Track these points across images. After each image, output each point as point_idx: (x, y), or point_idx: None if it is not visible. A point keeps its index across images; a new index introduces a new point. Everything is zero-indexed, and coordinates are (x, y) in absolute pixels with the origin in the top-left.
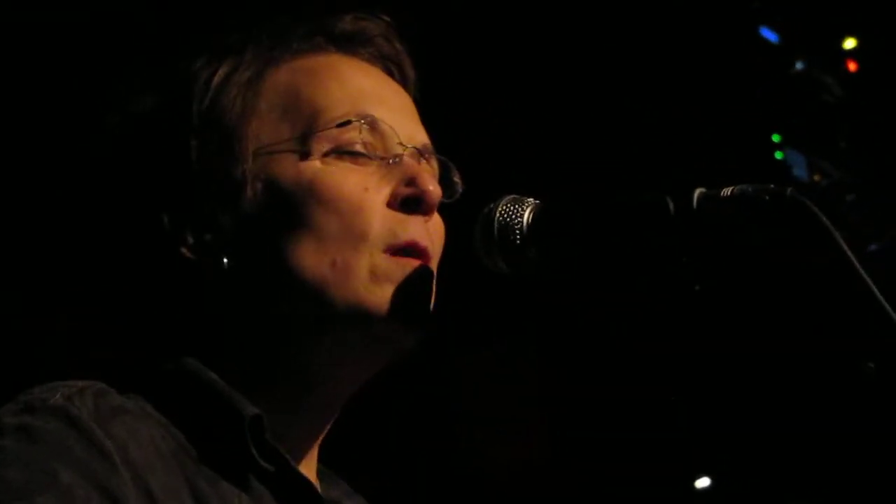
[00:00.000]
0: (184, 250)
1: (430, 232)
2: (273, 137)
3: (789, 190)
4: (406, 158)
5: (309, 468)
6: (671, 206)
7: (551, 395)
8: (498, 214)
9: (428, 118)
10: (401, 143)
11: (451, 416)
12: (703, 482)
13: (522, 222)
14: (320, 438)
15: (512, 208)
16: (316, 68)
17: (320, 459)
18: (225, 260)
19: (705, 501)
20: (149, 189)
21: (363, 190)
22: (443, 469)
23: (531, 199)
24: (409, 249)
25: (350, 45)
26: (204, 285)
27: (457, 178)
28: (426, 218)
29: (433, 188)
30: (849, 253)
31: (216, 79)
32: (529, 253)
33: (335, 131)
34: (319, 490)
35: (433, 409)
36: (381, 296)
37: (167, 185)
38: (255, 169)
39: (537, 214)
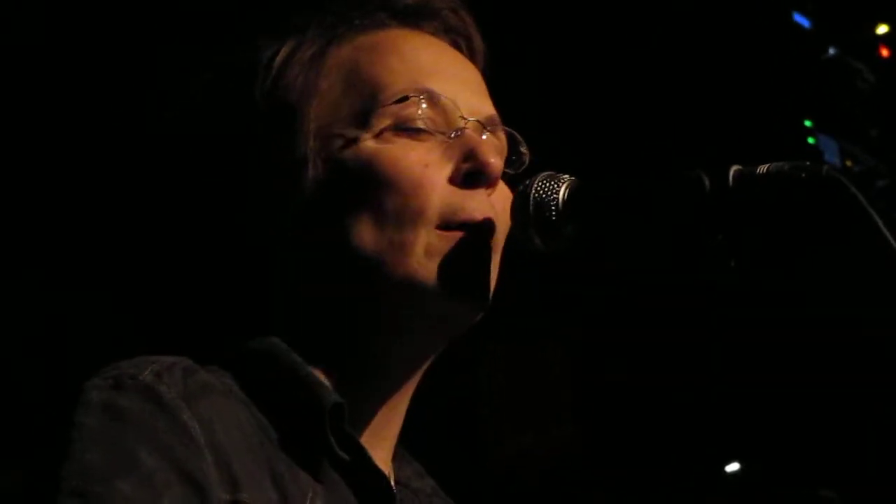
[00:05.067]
0: (246, 230)
1: (492, 204)
2: (334, 116)
3: (825, 168)
4: (468, 132)
5: (384, 452)
6: (707, 182)
7: (580, 383)
8: (534, 191)
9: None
10: (462, 117)
11: (480, 406)
12: (732, 467)
13: (558, 199)
14: (397, 422)
15: (548, 185)
16: (377, 45)
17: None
18: (288, 240)
19: (735, 486)
20: (214, 169)
21: (423, 167)
22: (471, 459)
23: (567, 176)
24: (465, 225)
25: (414, 19)
26: (271, 264)
27: (524, 150)
28: (489, 191)
29: (494, 160)
30: (885, 231)
31: (279, 58)
32: (565, 229)
33: (394, 107)
34: (392, 472)
35: (461, 400)
36: (434, 271)
37: (231, 167)
38: (316, 148)
39: (573, 191)
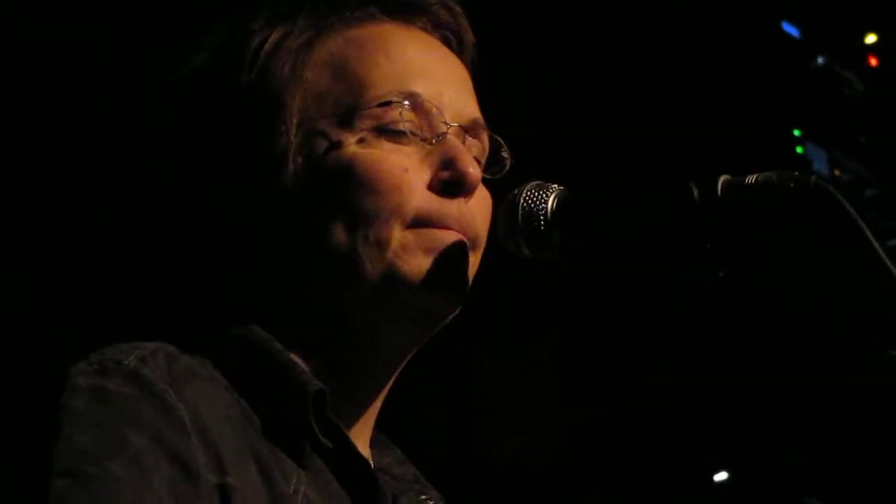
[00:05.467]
0: (226, 218)
1: (468, 214)
2: (317, 112)
3: (814, 178)
4: (449, 138)
5: (363, 438)
6: (696, 192)
7: (569, 386)
8: (522, 200)
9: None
10: (445, 122)
11: (469, 407)
12: (720, 476)
13: (547, 208)
14: (375, 409)
15: (536, 194)
16: (365, 39)
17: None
18: (266, 230)
19: (723, 495)
20: (195, 156)
21: (403, 171)
22: (460, 460)
23: (555, 186)
24: (440, 228)
25: (405, 14)
26: (250, 253)
27: (505, 154)
28: (466, 198)
29: (472, 170)
30: (873, 241)
31: (267, 45)
32: (553, 238)
33: (378, 110)
34: (372, 458)
35: (451, 401)
36: (411, 264)
37: (213, 153)
38: (297, 142)
39: (561, 200)
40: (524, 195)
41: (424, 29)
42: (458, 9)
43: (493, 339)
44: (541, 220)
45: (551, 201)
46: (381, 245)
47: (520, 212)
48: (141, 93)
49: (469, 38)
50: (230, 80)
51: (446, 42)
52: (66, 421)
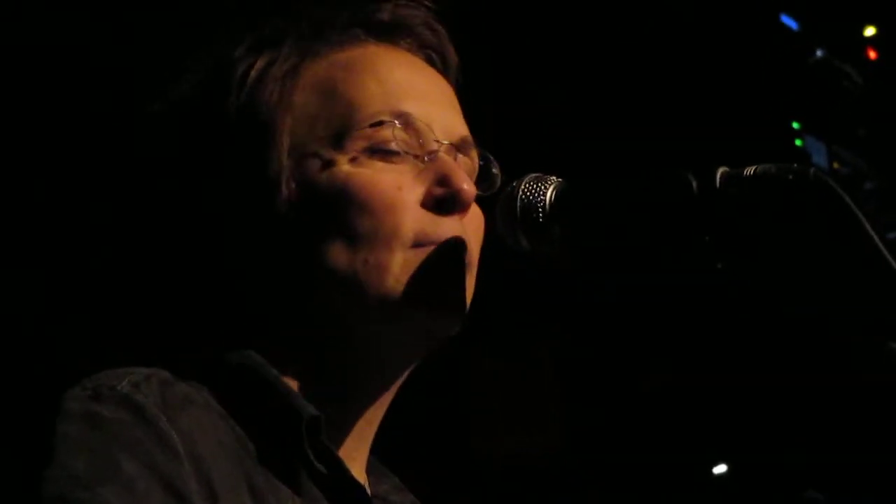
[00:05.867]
0: (220, 245)
1: (465, 230)
2: (308, 135)
3: (812, 170)
4: (441, 155)
5: (359, 464)
6: (694, 184)
7: (567, 384)
8: (521, 193)
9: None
10: (436, 140)
11: (468, 406)
12: (720, 469)
13: (545, 200)
14: (371, 434)
15: (535, 186)
16: (352, 62)
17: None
18: (260, 257)
19: (722, 488)
20: (187, 183)
21: (396, 189)
22: (459, 460)
23: (554, 178)
24: (438, 244)
25: (390, 35)
26: (245, 279)
27: (496, 171)
28: (461, 215)
29: (467, 187)
30: (872, 233)
31: (253, 72)
32: (552, 231)
33: (369, 131)
34: (368, 485)
35: (449, 401)
36: (411, 287)
37: (205, 181)
38: (289, 167)
39: (560, 192)
40: (523, 187)
41: (409, 49)
42: (441, 29)
43: (493, 339)
44: (539, 212)
45: (550, 193)
46: (382, 268)
47: (518, 204)
48: (140, 93)
49: (453, 57)
50: (217, 108)
51: (430, 62)
52: (58, 446)
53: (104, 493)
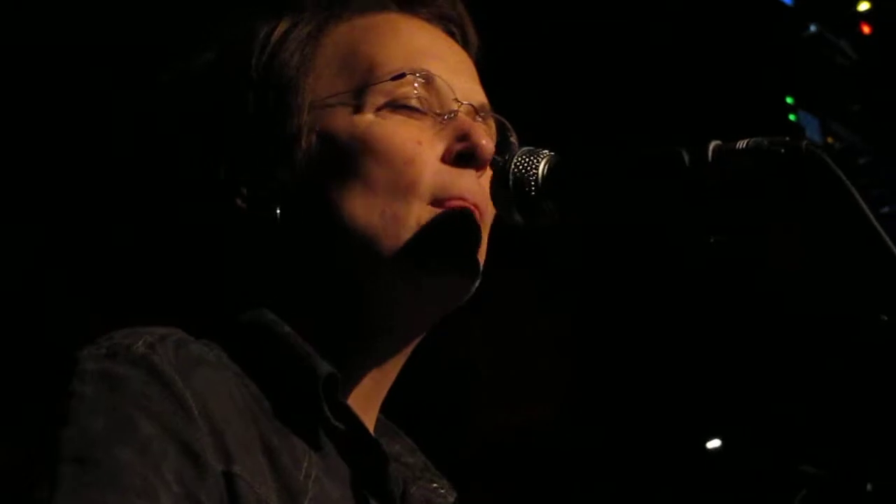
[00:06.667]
0: (238, 202)
1: (481, 187)
2: (329, 91)
3: (805, 143)
4: (461, 115)
5: (370, 422)
6: (686, 157)
7: (566, 358)
8: (513, 167)
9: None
10: (456, 100)
11: (468, 380)
12: (713, 443)
13: (538, 174)
14: (381, 395)
15: (527, 160)
16: (374, 25)
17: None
18: (278, 211)
19: (716, 463)
20: (206, 142)
21: (416, 143)
22: (458, 435)
23: (546, 151)
24: (457, 202)
25: (411, 4)
26: (261, 236)
27: (513, 139)
28: (479, 173)
29: (486, 142)
30: (864, 206)
31: (275, 34)
32: (545, 205)
33: (390, 84)
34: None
35: (449, 375)
36: (427, 244)
37: (224, 138)
38: (309, 121)
39: (552, 166)
40: (515, 161)
41: (429, 20)
42: (461, 6)
43: (493, 316)
44: (532, 186)
45: (542, 167)
46: (399, 221)
47: (511, 178)
48: (152, 76)
49: (473, 35)
50: (240, 70)
51: (450, 34)
52: (75, 406)
53: (121, 454)
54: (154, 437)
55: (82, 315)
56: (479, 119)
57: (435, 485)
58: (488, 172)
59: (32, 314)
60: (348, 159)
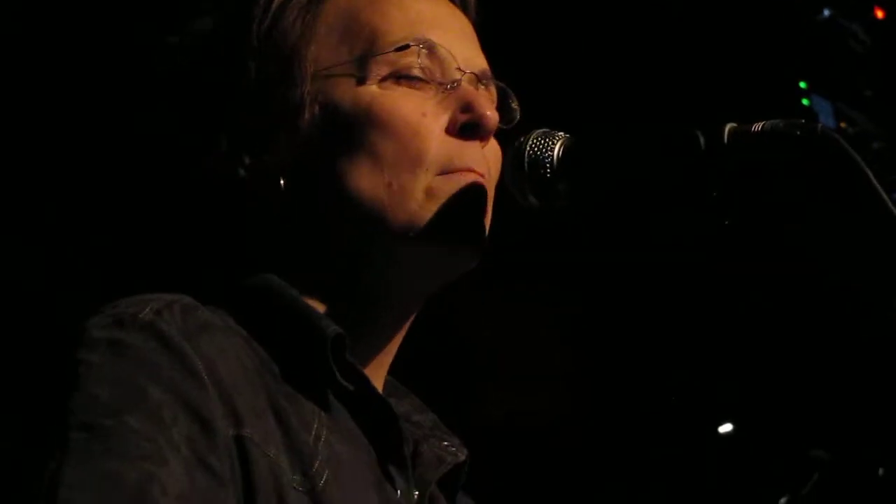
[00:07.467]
0: (241, 171)
1: (486, 157)
2: (332, 60)
3: (820, 125)
4: (464, 84)
5: (378, 384)
6: (702, 139)
7: (573, 346)
8: (528, 148)
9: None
10: (459, 68)
11: (471, 369)
12: (725, 428)
13: (553, 156)
14: (390, 355)
15: (542, 142)
16: None
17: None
18: (282, 181)
19: (728, 447)
20: (208, 110)
21: (421, 115)
22: (462, 422)
23: (561, 133)
24: (463, 173)
25: None
26: (264, 206)
27: (515, 105)
28: (483, 143)
29: (490, 113)
30: (879, 188)
31: (275, 2)
32: (560, 186)
33: (393, 55)
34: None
35: (453, 362)
36: (434, 214)
37: (226, 107)
38: (313, 91)
39: (567, 148)
40: (530, 143)
41: None
42: None
43: (496, 300)
44: (547, 167)
45: (557, 149)
46: (405, 193)
47: (526, 159)
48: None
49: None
50: (240, 38)
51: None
52: (82, 374)
53: (130, 420)
54: (163, 403)
55: (90, 279)
56: (482, 87)
57: (446, 443)
58: (491, 142)
59: (42, 293)
60: (354, 132)
